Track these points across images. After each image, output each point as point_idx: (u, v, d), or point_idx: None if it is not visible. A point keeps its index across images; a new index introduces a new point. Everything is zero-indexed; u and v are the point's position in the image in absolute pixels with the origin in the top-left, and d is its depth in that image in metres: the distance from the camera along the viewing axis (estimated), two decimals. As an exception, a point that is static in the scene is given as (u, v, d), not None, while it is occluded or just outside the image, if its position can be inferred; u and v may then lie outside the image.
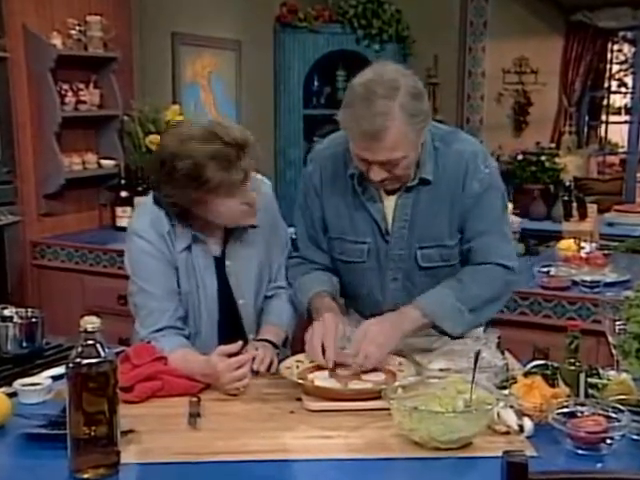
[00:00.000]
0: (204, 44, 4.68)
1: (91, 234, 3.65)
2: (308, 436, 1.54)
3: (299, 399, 1.69)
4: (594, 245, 3.19)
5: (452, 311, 1.78)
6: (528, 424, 1.50)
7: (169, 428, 1.57)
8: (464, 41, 6.29)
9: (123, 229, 3.52)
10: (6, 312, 1.97)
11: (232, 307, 1.99)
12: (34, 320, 1.96)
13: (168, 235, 1.89)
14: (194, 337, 1.95)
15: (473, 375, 1.55)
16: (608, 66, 7.35)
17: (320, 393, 1.69)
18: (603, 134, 7.63)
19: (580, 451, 1.42)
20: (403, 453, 1.46)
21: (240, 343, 1.79)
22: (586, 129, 7.26)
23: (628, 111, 7.34)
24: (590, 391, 1.59)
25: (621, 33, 7.28)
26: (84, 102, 3.56)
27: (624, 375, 1.62)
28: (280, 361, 1.84)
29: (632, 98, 6.85)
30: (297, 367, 1.81)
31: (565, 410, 1.49)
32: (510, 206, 3.53)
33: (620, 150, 7.57)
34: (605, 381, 1.62)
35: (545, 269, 2.82)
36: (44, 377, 1.75)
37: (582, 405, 1.51)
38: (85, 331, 1.35)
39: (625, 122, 7.23)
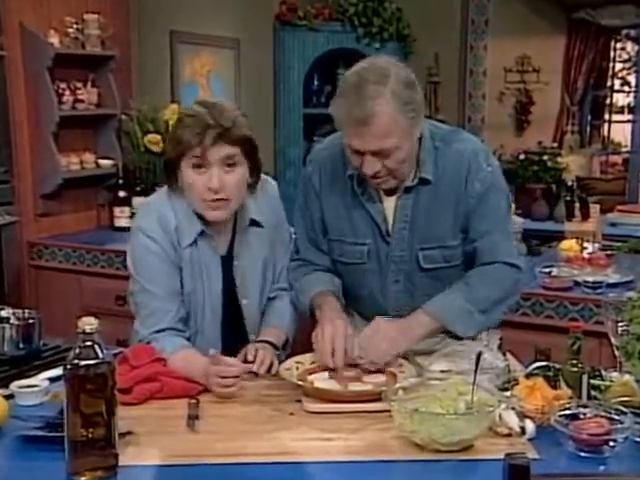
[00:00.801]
0: (203, 42, 4.68)
1: (89, 234, 3.64)
2: (308, 438, 1.53)
3: (299, 401, 1.68)
4: (597, 245, 3.19)
5: (462, 314, 1.77)
6: (530, 426, 1.50)
7: (168, 430, 1.57)
8: (465, 39, 6.28)
9: (121, 229, 3.53)
10: (3, 313, 1.96)
11: (235, 307, 1.98)
12: (31, 321, 1.95)
13: (175, 232, 1.87)
14: (196, 337, 1.93)
15: (474, 377, 1.55)
16: (611, 64, 7.30)
17: (320, 395, 1.68)
18: (606, 133, 7.58)
19: (582, 453, 1.41)
20: (404, 455, 1.45)
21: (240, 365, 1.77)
22: (589, 128, 7.22)
23: (631, 110, 7.31)
24: (592, 393, 1.58)
25: (624, 31, 7.23)
26: (82, 101, 3.55)
27: (627, 377, 1.61)
28: (280, 363, 1.83)
29: (635, 97, 6.85)
30: (297, 368, 1.80)
31: (567, 412, 1.48)
32: (512, 206, 3.53)
33: (623, 149, 7.56)
34: (608, 383, 1.61)
35: (547, 270, 2.82)
36: (41, 379, 1.74)
37: (584, 407, 1.50)
38: (83, 332, 1.34)
39: (628, 121, 7.20)
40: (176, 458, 1.44)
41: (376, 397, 1.60)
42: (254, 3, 5.12)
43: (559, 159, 4.69)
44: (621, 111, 7.95)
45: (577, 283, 2.73)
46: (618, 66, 7.60)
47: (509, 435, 1.50)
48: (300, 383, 1.71)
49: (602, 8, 6.30)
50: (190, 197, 1.86)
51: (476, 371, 1.56)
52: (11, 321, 1.93)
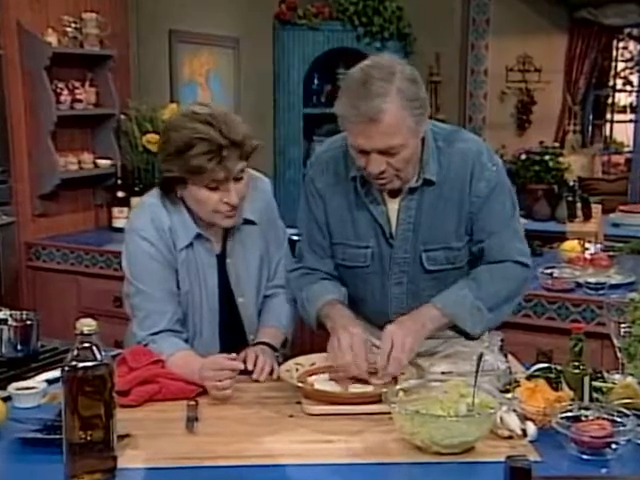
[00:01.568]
0: (202, 42, 4.66)
1: (87, 235, 3.63)
2: (308, 440, 1.52)
3: (299, 402, 1.68)
4: (599, 246, 3.17)
5: (471, 310, 1.75)
6: (531, 428, 1.49)
7: (166, 432, 1.56)
8: (466, 39, 6.27)
9: (120, 230, 3.50)
10: (0, 314, 1.96)
11: (232, 306, 1.97)
12: (29, 322, 1.94)
13: (169, 233, 1.86)
14: (194, 338, 1.93)
15: (475, 378, 1.54)
16: (613, 64, 7.30)
17: (320, 397, 1.67)
18: (608, 133, 7.59)
19: (584, 456, 1.41)
20: (404, 458, 1.45)
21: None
22: (591, 128, 7.22)
23: (633, 109, 7.31)
24: (594, 395, 1.57)
25: (626, 30, 7.23)
26: (80, 101, 3.54)
27: (629, 378, 1.60)
28: (280, 364, 1.82)
29: (637, 96, 6.85)
30: (296, 370, 1.79)
31: (569, 414, 1.48)
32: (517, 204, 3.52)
33: (625, 149, 7.56)
34: (610, 385, 1.60)
35: (549, 271, 2.80)
36: (39, 381, 1.73)
37: (586, 409, 1.50)
38: (81, 334, 1.33)
39: (630, 121, 7.20)
40: (175, 460, 1.43)
41: (377, 399, 1.59)
42: (254, 2, 5.11)
43: (561, 159, 4.67)
44: (623, 111, 7.95)
45: (579, 284, 2.72)
46: (620, 65, 7.60)
47: (510, 437, 1.49)
48: (300, 385, 1.70)
49: (604, 7, 6.29)
50: (197, 209, 1.85)
51: (477, 373, 1.55)
52: (8, 322, 1.92)
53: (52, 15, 3.44)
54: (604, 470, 1.38)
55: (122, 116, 3.67)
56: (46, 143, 3.40)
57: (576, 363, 1.60)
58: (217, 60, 4.81)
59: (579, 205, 4.19)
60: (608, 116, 7.53)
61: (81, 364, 1.31)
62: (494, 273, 1.81)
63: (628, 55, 7.78)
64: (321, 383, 1.73)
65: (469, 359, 1.68)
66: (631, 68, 7.90)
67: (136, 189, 3.56)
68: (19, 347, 1.89)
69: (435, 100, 6.18)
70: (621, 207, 4.79)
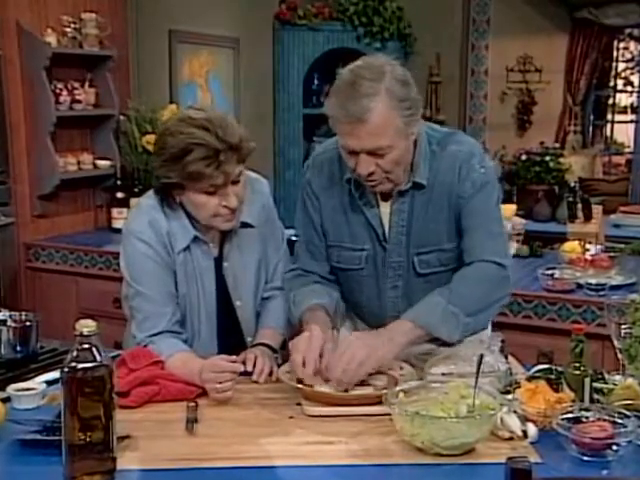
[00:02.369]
0: (202, 42, 4.66)
1: (86, 236, 3.62)
2: (307, 442, 1.52)
3: (298, 404, 1.67)
4: (599, 247, 3.17)
5: (445, 316, 1.71)
6: (532, 430, 1.49)
7: (166, 433, 1.55)
8: (467, 39, 6.26)
9: (119, 231, 3.48)
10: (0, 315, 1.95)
11: (230, 309, 1.97)
12: (28, 324, 1.94)
13: (167, 236, 1.86)
14: (193, 340, 1.92)
15: (476, 380, 1.54)
16: (614, 64, 7.28)
17: (320, 398, 1.66)
18: (609, 134, 7.56)
19: (585, 457, 1.41)
20: (404, 459, 1.44)
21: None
22: (591, 129, 7.20)
23: (634, 110, 7.30)
24: (595, 396, 1.57)
25: (627, 30, 7.20)
26: (79, 101, 3.53)
27: (630, 380, 1.60)
28: (279, 366, 1.82)
29: (638, 97, 6.83)
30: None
31: (570, 415, 1.47)
32: (514, 207, 3.53)
33: (626, 150, 7.54)
34: (611, 386, 1.60)
35: (549, 271, 2.80)
36: (38, 382, 1.73)
37: (587, 410, 1.49)
38: (81, 335, 1.33)
39: (631, 121, 7.19)
40: (175, 462, 1.43)
41: (377, 400, 1.59)
42: (253, 2, 5.11)
43: (561, 160, 4.67)
44: (624, 111, 7.94)
45: (580, 285, 2.72)
46: (621, 66, 7.59)
47: (511, 439, 1.49)
48: (300, 386, 1.69)
49: (605, 7, 6.27)
50: (196, 214, 1.84)
51: (478, 374, 1.55)
52: (8, 323, 1.92)
53: (51, 15, 3.44)
54: (605, 472, 1.38)
55: (121, 117, 3.67)
56: (45, 144, 3.39)
57: (577, 364, 1.59)
58: (217, 60, 4.81)
59: (580, 206, 4.19)
60: (609, 117, 7.51)
61: (81, 365, 1.31)
62: (467, 275, 1.78)
63: (629, 55, 7.77)
64: (321, 384, 1.72)
65: (469, 360, 1.68)
66: (632, 68, 7.89)
67: (135, 190, 3.55)
68: (18, 348, 1.89)
69: (435, 101, 6.18)
70: (622, 208, 4.78)
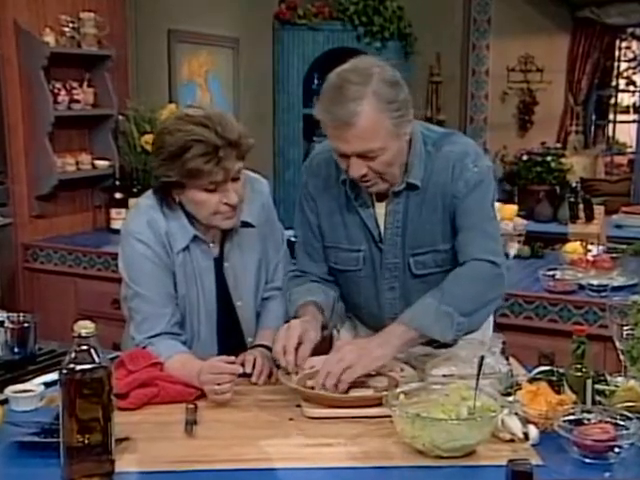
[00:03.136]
0: (201, 42, 4.66)
1: (85, 236, 3.62)
2: (307, 444, 1.51)
3: (298, 406, 1.67)
4: (601, 248, 3.16)
5: (438, 317, 1.69)
6: (533, 432, 1.48)
7: (165, 436, 1.55)
8: (467, 39, 6.26)
9: (118, 231, 3.45)
10: (-3, 316, 1.94)
11: (230, 309, 1.96)
12: (26, 325, 1.92)
13: (166, 236, 1.85)
14: (192, 341, 1.92)
15: (477, 381, 1.53)
16: (616, 64, 7.26)
17: (320, 400, 1.66)
18: (610, 134, 7.55)
19: (587, 460, 1.40)
20: (405, 462, 1.44)
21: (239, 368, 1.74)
22: (593, 128, 7.19)
23: (636, 110, 7.31)
24: (597, 398, 1.56)
25: (629, 30, 7.18)
26: (78, 101, 3.53)
27: (632, 381, 1.59)
28: (278, 367, 1.81)
29: (640, 97, 6.82)
30: (296, 373, 1.77)
31: (571, 417, 1.47)
32: (515, 208, 3.52)
33: (628, 150, 7.52)
34: (612, 387, 1.59)
35: (551, 272, 2.79)
36: (36, 383, 1.72)
37: (589, 412, 1.49)
38: (79, 336, 1.32)
39: (633, 121, 7.19)
40: (174, 464, 1.42)
41: (377, 402, 1.58)
42: (253, 2, 5.11)
43: (563, 160, 4.67)
44: (626, 111, 7.92)
45: (581, 286, 2.71)
46: (623, 65, 7.57)
47: (512, 441, 1.48)
48: (299, 388, 1.69)
49: (607, 6, 6.26)
50: (196, 212, 1.84)
51: (478, 376, 1.54)
52: (5, 325, 1.91)
53: (50, 15, 3.43)
54: (607, 474, 1.37)
55: (120, 117, 3.66)
56: (44, 144, 3.39)
57: (578, 366, 1.58)
58: (216, 60, 4.81)
59: (581, 206, 4.19)
60: (611, 116, 7.50)
61: (79, 367, 1.30)
62: (460, 275, 1.76)
63: (631, 55, 7.75)
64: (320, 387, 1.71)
65: (470, 362, 1.67)
66: (634, 68, 7.88)
67: (134, 190, 3.54)
68: (16, 349, 1.88)
69: (436, 100, 6.18)
70: (624, 208, 4.77)
